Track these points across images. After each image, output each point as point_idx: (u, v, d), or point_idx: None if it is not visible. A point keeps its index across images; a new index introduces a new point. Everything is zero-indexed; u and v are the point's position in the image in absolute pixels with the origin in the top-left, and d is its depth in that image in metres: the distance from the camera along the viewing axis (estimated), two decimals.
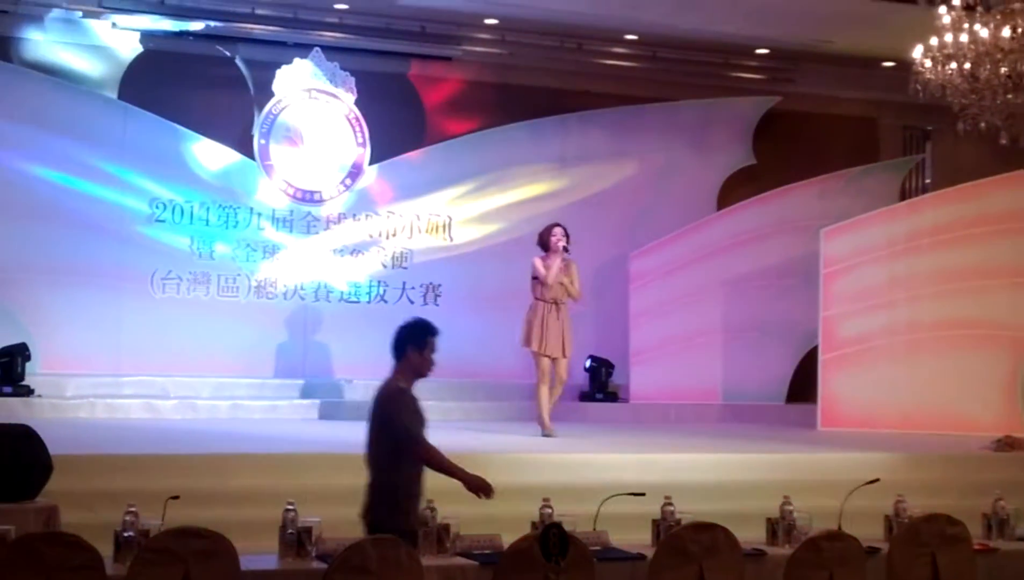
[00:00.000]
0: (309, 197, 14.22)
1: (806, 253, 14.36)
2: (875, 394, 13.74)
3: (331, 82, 14.32)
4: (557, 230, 11.85)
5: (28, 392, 12.51)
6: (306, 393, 13.55)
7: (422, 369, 7.11)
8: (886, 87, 15.40)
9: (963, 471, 10.86)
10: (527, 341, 11.81)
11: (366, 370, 13.80)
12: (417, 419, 7.01)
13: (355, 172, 14.34)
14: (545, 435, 11.65)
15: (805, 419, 13.84)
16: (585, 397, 14.48)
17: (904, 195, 16.00)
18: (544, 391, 11.77)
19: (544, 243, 11.86)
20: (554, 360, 11.80)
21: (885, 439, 12.25)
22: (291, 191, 14.14)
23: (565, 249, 11.77)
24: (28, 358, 12.68)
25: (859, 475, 8.14)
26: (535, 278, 11.81)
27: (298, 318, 14.16)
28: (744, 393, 14.74)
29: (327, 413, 13.15)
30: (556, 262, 11.73)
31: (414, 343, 7.10)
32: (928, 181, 16.72)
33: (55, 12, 13.72)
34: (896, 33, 13.81)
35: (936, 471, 10.78)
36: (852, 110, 16.48)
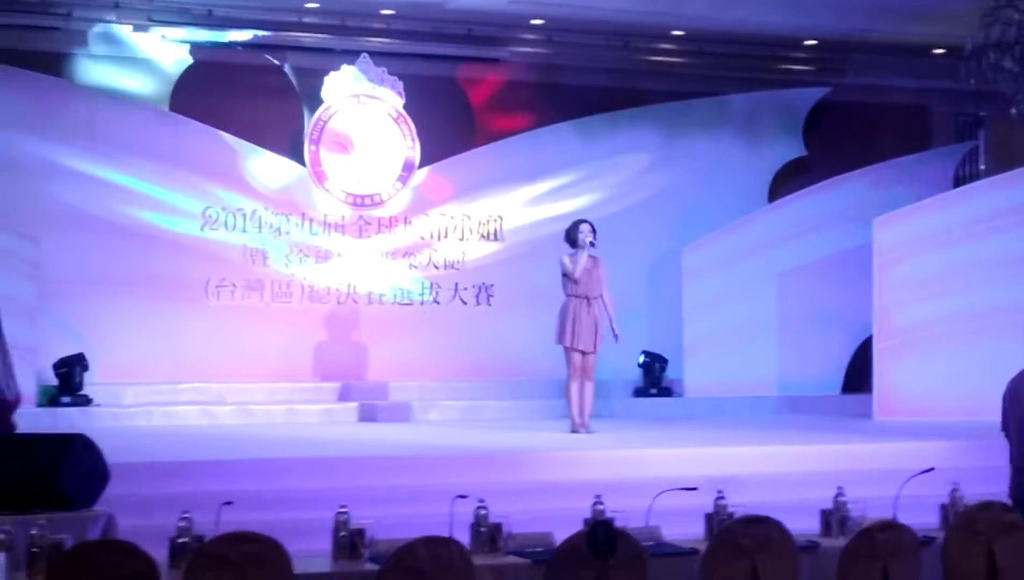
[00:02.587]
0: (361, 201, 14.29)
1: (860, 243, 14.25)
2: (931, 382, 13.61)
3: (379, 87, 14.38)
4: (584, 226, 11.85)
5: (87, 402, 12.63)
6: (358, 396, 13.57)
7: None
8: (937, 74, 15.25)
9: None
10: (560, 337, 11.83)
11: (421, 371, 13.98)
12: None
13: (405, 175, 14.41)
14: (574, 431, 11.66)
15: (861, 409, 13.75)
16: (639, 393, 14.45)
17: (958, 182, 15.85)
18: (575, 387, 11.80)
19: (571, 239, 11.86)
20: (584, 355, 11.79)
21: (941, 427, 12.14)
22: (343, 196, 14.22)
23: (592, 244, 11.75)
24: (86, 368, 12.80)
25: (914, 464, 8.06)
26: (565, 275, 11.81)
27: (351, 322, 14.23)
28: (800, 384, 14.67)
29: (372, 415, 13.20)
30: (583, 257, 11.73)
31: None
32: (982, 167, 16.54)
33: (104, 27, 13.84)
34: (945, 20, 13.72)
35: (993, 458, 10.61)
36: (903, 98, 16.33)
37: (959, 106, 16.45)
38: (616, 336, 11.92)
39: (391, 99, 14.40)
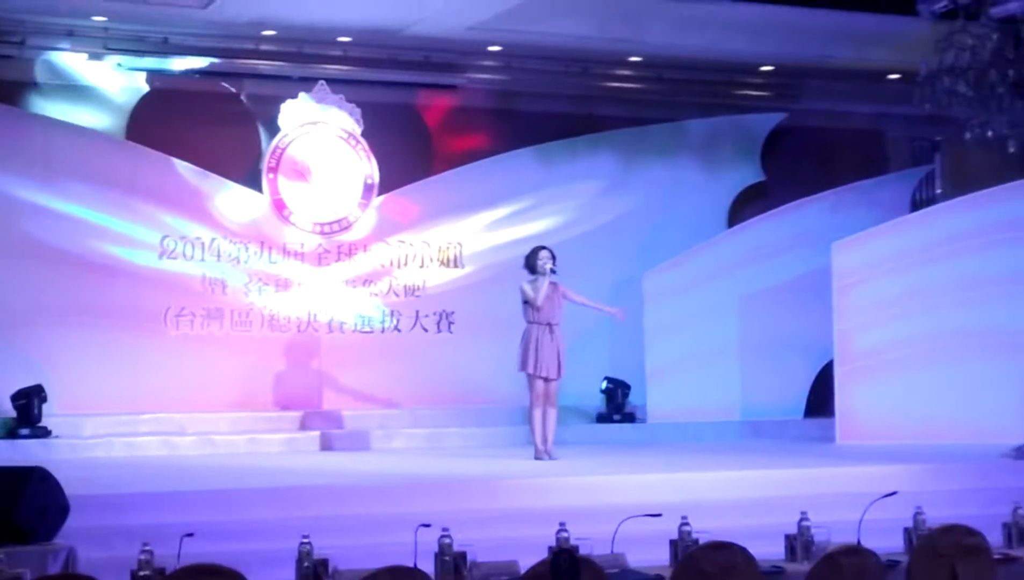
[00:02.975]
0: (320, 229, 14.26)
1: (819, 267, 14.27)
2: (893, 406, 13.64)
3: (337, 113, 14.37)
4: (543, 253, 11.83)
5: (46, 434, 12.49)
6: (320, 424, 13.49)
7: None
8: (892, 99, 15.38)
9: (983, 480, 10.77)
10: (523, 365, 11.81)
11: (383, 399, 13.95)
12: None
13: (364, 202, 14.40)
14: (538, 458, 11.65)
15: (824, 433, 13.79)
16: (602, 419, 14.43)
17: (915, 206, 15.96)
18: (538, 415, 11.78)
19: (531, 266, 11.85)
20: (547, 382, 11.79)
21: (904, 451, 12.18)
22: (301, 224, 14.18)
23: (552, 271, 11.75)
24: (44, 399, 12.66)
25: (878, 488, 8.11)
26: (525, 302, 11.80)
27: (312, 350, 14.18)
28: (762, 409, 14.68)
29: (334, 444, 13.14)
30: (544, 284, 11.71)
31: None
32: (939, 191, 16.67)
33: (60, 55, 13.78)
34: (900, 46, 13.86)
35: (955, 481, 10.70)
36: (859, 123, 16.48)
37: (915, 131, 16.58)
38: (617, 313, 12.05)
39: (349, 126, 14.38)
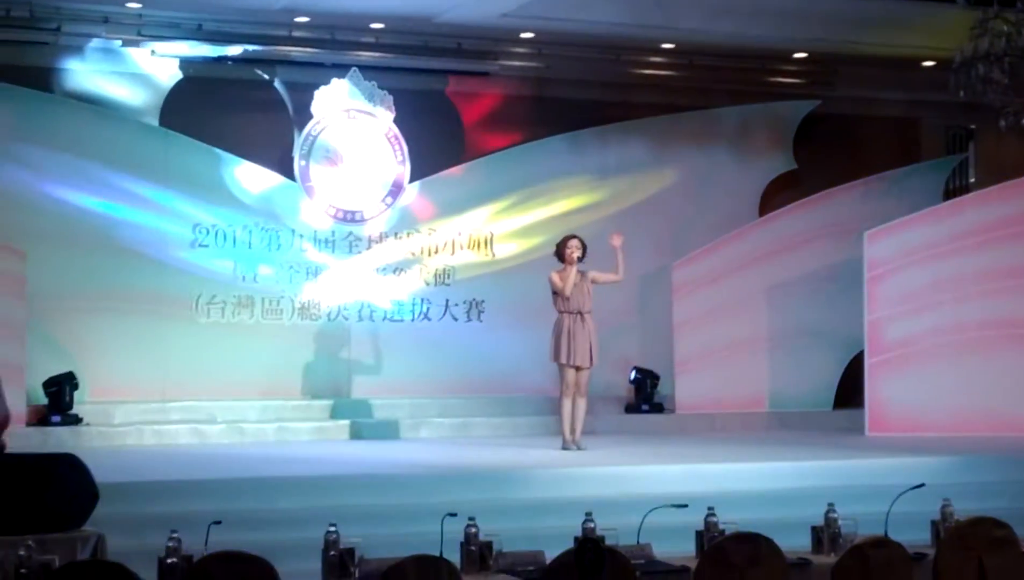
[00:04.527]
0: (351, 217, 14.30)
1: (850, 257, 14.25)
2: (923, 397, 13.61)
3: (369, 101, 14.40)
4: (572, 242, 11.84)
5: (76, 421, 12.60)
6: (349, 413, 13.56)
7: None
8: (926, 87, 15.28)
9: (1012, 473, 10.75)
10: (555, 355, 11.81)
11: (411, 388, 13.97)
12: None
13: (396, 190, 14.42)
14: (565, 449, 11.64)
15: (853, 425, 13.76)
16: (630, 409, 14.47)
17: (948, 195, 15.87)
18: (567, 404, 11.78)
19: (560, 255, 11.88)
20: (579, 371, 11.79)
21: (934, 443, 12.16)
22: (333, 211, 14.23)
23: (580, 259, 11.75)
24: (76, 387, 12.77)
25: (906, 480, 8.08)
26: (555, 293, 11.82)
27: (342, 339, 14.22)
28: (791, 400, 14.70)
29: (363, 433, 13.22)
30: (572, 273, 11.73)
31: None
32: (972, 180, 16.61)
33: (95, 42, 13.83)
34: (934, 32, 13.79)
35: (985, 474, 10.68)
36: (893, 111, 16.41)
37: (949, 118, 16.50)
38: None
39: (381, 113, 14.40)
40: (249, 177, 14.05)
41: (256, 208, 14.04)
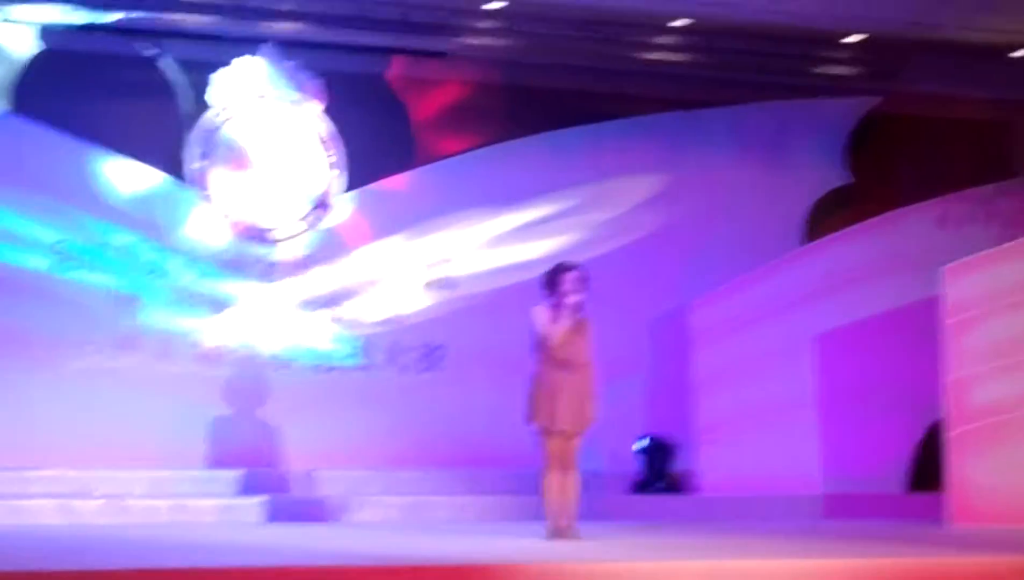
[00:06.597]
0: (261, 236, 14.37)
1: (922, 297, 14.34)
2: (1021, 479, 13.69)
3: (288, 87, 14.50)
4: (570, 276, 11.19)
5: None
6: (264, 488, 13.54)
7: None
8: (1018, 82, 15.49)
9: None
10: (532, 415, 11.60)
11: (350, 457, 13.95)
12: None
13: (322, 203, 14.48)
14: (554, 538, 11.54)
15: (932, 513, 13.78)
16: (639, 488, 14.54)
17: None
18: (553, 480, 11.64)
19: (551, 286, 11.32)
20: (566, 438, 11.65)
21: None
22: (238, 228, 14.30)
23: (580, 306, 11.14)
24: None
25: None
26: (539, 337, 11.45)
27: (256, 391, 14.27)
28: (850, 480, 14.80)
29: (284, 514, 13.15)
30: (566, 319, 11.34)
31: None
32: None
33: None
34: None
35: None
36: (976, 112, 16.58)
37: None
38: None
39: (305, 104, 14.50)
40: (129, 181, 14.13)
41: (138, 221, 14.12)
